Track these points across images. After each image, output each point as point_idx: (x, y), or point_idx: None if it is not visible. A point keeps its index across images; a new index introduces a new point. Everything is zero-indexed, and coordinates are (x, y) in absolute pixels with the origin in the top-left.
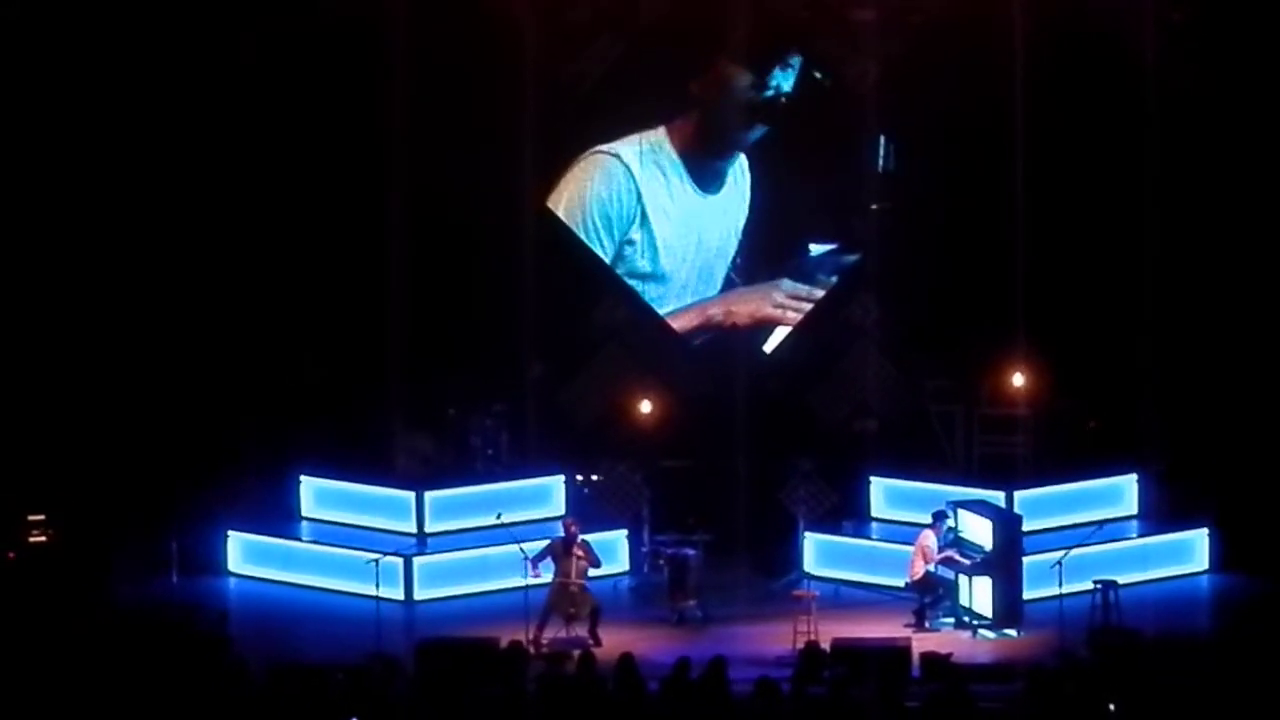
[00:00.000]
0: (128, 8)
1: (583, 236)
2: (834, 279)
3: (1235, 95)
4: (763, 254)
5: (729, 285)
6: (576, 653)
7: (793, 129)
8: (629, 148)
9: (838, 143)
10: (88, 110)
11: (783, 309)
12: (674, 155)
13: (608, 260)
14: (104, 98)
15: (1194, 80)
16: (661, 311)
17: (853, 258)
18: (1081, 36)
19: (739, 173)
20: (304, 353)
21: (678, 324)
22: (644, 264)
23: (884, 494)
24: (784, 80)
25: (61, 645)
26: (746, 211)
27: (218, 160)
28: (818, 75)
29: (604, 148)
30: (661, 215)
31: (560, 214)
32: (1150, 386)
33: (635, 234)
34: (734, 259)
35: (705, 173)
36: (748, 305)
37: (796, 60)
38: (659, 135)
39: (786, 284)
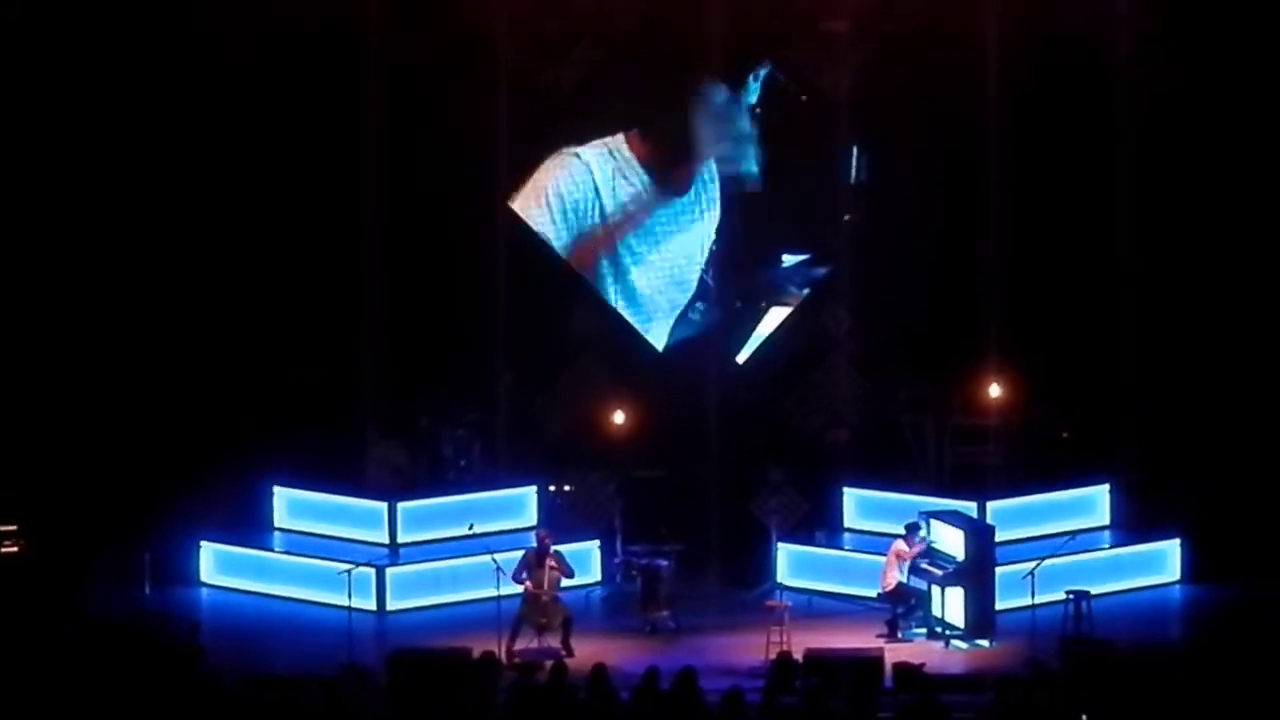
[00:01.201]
0: (108, 16)
1: (541, 227)
2: (805, 291)
3: (1210, 104)
4: (734, 264)
5: (703, 288)
6: (549, 663)
7: (764, 139)
8: (592, 150)
9: (810, 153)
10: (64, 122)
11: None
12: (636, 163)
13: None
14: (81, 109)
15: (1169, 88)
16: (635, 321)
17: (823, 270)
18: (1055, 46)
19: (708, 178)
20: (277, 363)
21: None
22: (613, 273)
23: (856, 504)
24: (754, 91)
25: (34, 656)
26: (718, 216)
27: (192, 172)
28: (790, 85)
29: (572, 150)
30: (626, 221)
31: (517, 207)
32: (1123, 397)
33: (599, 237)
34: (706, 262)
35: (670, 179)
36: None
37: (767, 70)
38: (618, 142)
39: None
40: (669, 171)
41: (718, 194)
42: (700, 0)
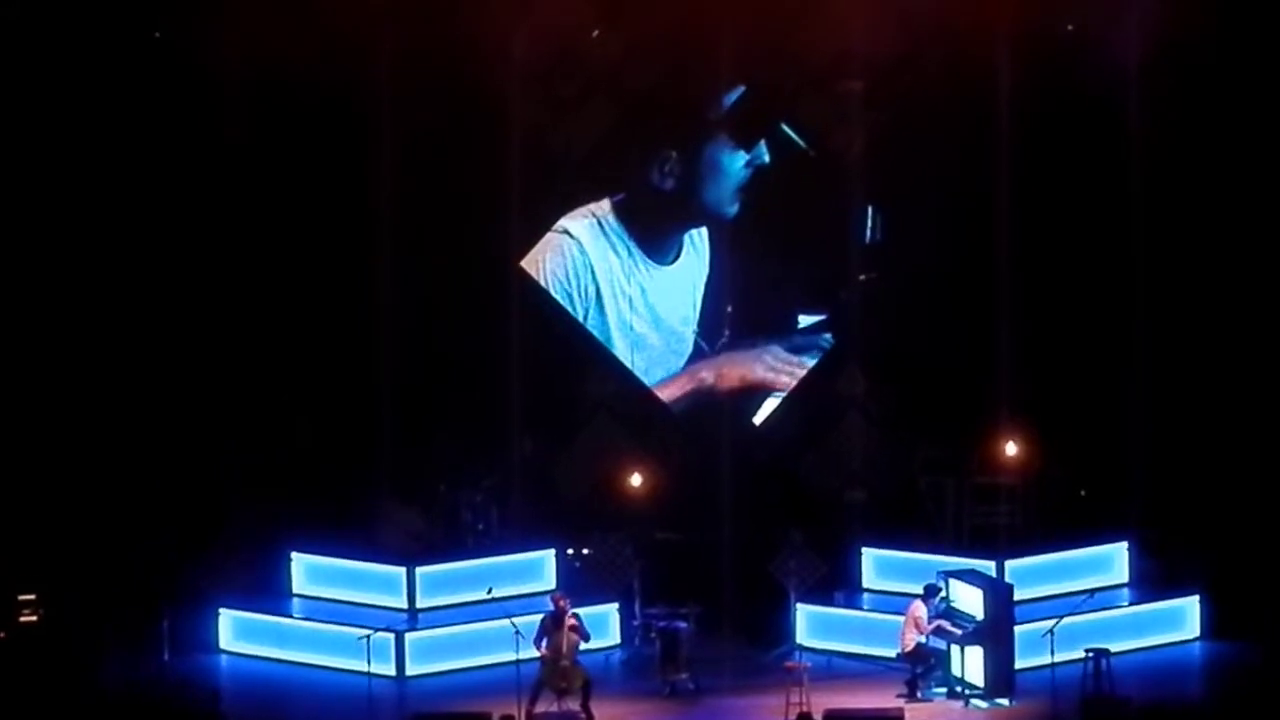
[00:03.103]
0: (113, 77)
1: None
2: (822, 349)
3: (1222, 164)
4: (748, 324)
5: (698, 352)
6: None
7: (779, 199)
8: (580, 223)
9: (824, 213)
10: (75, 185)
11: (774, 373)
12: (622, 228)
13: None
14: (90, 174)
15: (1181, 148)
16: (653, 381)
17: (827, 338)
18: (1068, 105)
19: (695, 239)
20: (294, 429)
21: (666, 391)
22: (614, 339)
23: (875, 564)
24: (765, 151)
25: None
26: (707, 274)
27: (205, 236)
28: (803, 145)
29: (559, 226)
30: (618, 291)
31: (529, 269)
32: (1139, 454)
33: (595, 312)
34: (697, 325)
35: (658, 244)
36: (738, 369)
37: (782, 130)
38: (605, 210)
39: (776, 349)
40: (656, 239)
41: (708, 251)
42: (714, 61)
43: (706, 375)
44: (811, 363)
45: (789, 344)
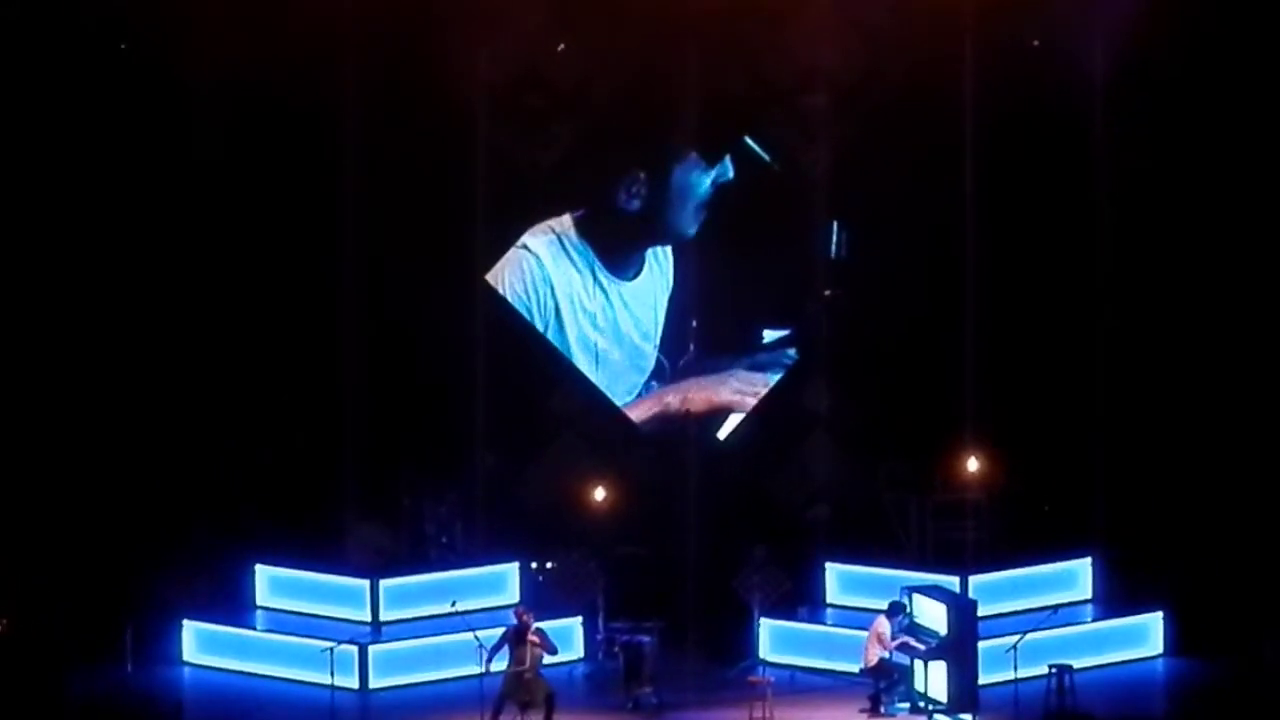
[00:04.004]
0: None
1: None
2: (786, 365)
3: (1189, 177)
4: (713, 340)
5: (659, 369)
6: None
7: (743, 215)
8: (540, 239)
9: (789, 228)
10: (38, 196)
11: (740, 395)
12: (583, 245)
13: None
14: (54, 185)
15: (1147, 162)
16: (616, 398)
17: (791, 353)
18: (1034, 121)
19: (659, 254)
20: (258, 441)
21: (633, 414)
22: (575, 354)
23: (838, 580)
24: (730, 167)
25: None
26: (669, 289)
27: (170, 250)
28: (769, 160)
29: (519, 242)
30: (577, 307)
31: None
32: (1103, 471)
33: (555, 327)
34: (659, 342)
35: (620, 260)
36: (704, 392)
37: (747, 145)
38: (565, 225)
39: (741, 372)
40: (617, 255)
41: (670, 268)
42: (679, 76)
43: (672, 400)
44: (775, 379)
45: (753, 361)
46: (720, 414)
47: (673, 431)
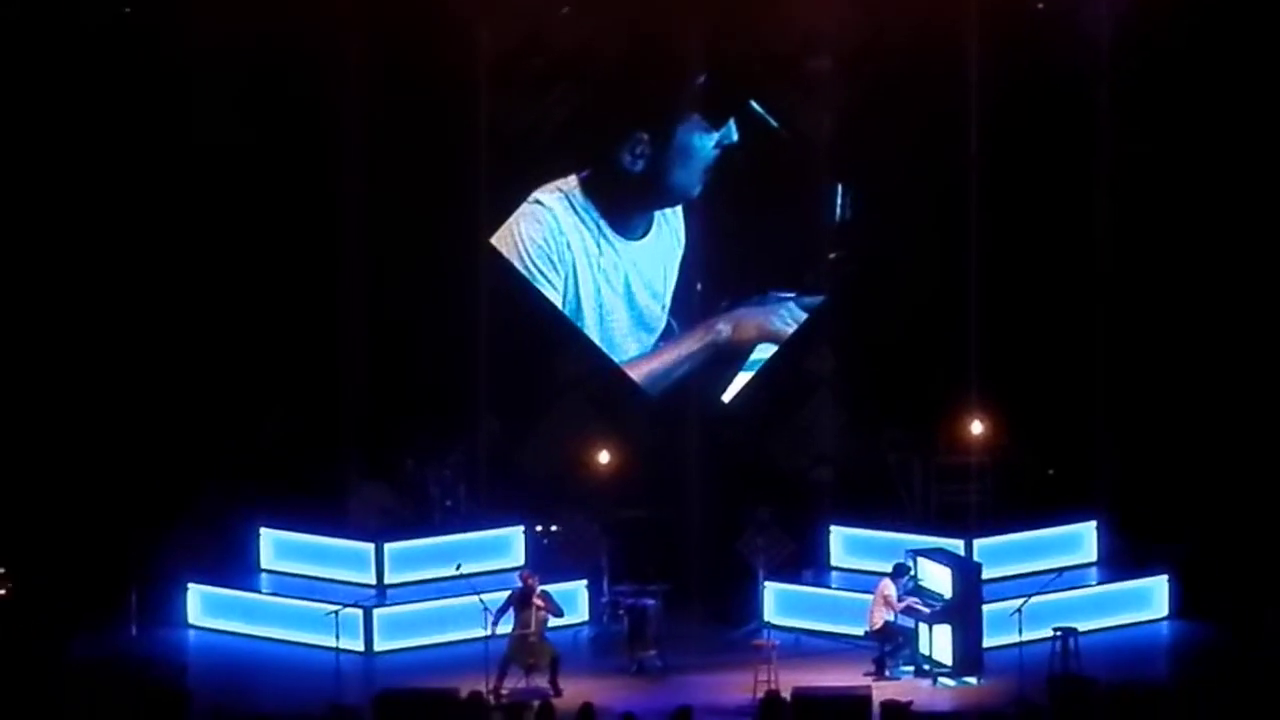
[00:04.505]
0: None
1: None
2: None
3: (1190, 142)
4: (717, 301)
5: (668, 330)
6: (536, 703)
7: (748, 178)
8: (552, 197)
9: (794, 192)
10: (41, 169)
11: (789, 327)
12: (589, 204)
13: (559, 304)
14: (56, 157)
15: (1149, 126)
16: (625, 356)
17: (809, 305)
18: (1037, 85)
19: (669, 215)
20: (262, 406)
21: (676, 351)
22: (585, 313)
23: (843, 543)
24: (734, 130)
25: (22, 699)
26: (681, 251)
27: (171, 217)
28: (773, 124)
29: (533, 197)
30: (591, 263)
31: (498, 246)
32: (1108, 433)
33: (572, 279)
34: (668, 303)
35: (627, 220)
36: (755, 320)
37: (751, 109)
38: (572, 185)
39: (794, 305)
40: (624, 215)
41: (681, 226)
42: (682, 40)
43: (724, 328)
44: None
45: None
46: (768, 340)
47: (674, 390)
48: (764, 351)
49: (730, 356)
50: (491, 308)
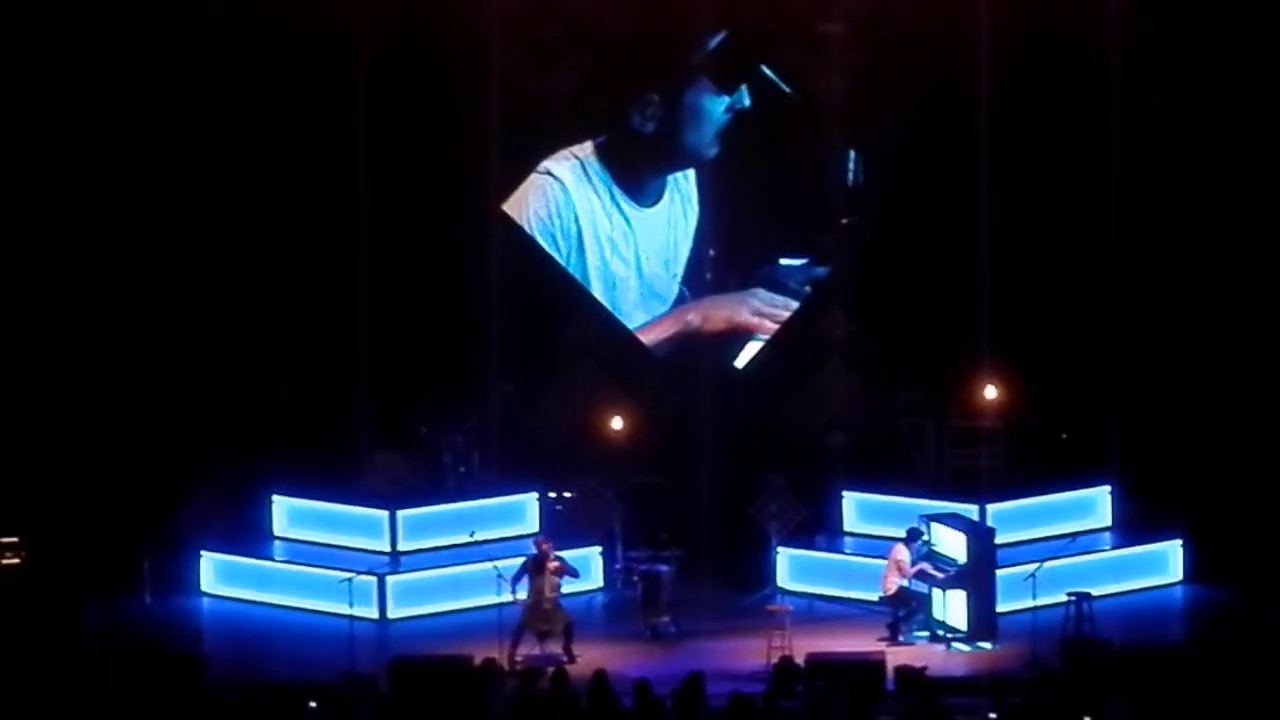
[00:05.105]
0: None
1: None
2: (806, 289)
3: (1202, 105)
4: (730, 267)
5: (680, 299)
6: (550, 669)
7: (759, 143)
8: (562, 165)
9: (806, 156)
10: (58, 132)
11: (759, 317)
12: (603, 171)
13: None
14: (68, 122)
15: (1160, 91)
16: (632, 326)
17: (823, 270)
18: (1049, 49)
19: (680, 181)
20: (274, 373)
21: (651, 334)
22: (593, 281)
23: (856, 508)
24: (746, 95)
25: (35, 667)
26: (695, 220)
27: (183, 183)
28: (785, 89)
29: (541, 168)
30: (600, 233)
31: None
32: (1121, 398)
33: (576, 253)
34: (681, 271)
35: (640, 186)
36: (724, 311)
37: (763, 74)
38: (587, 152)
39: (762, 293)
40: (638, 179)
41: (694, 195)
42: (694, 5)
43: (693, 318)
44: (795, 304)
45: (774, 285)
46: (739, 335)
47: (687, 355)
48: None
49: (697, 349)
50: (504, 274)
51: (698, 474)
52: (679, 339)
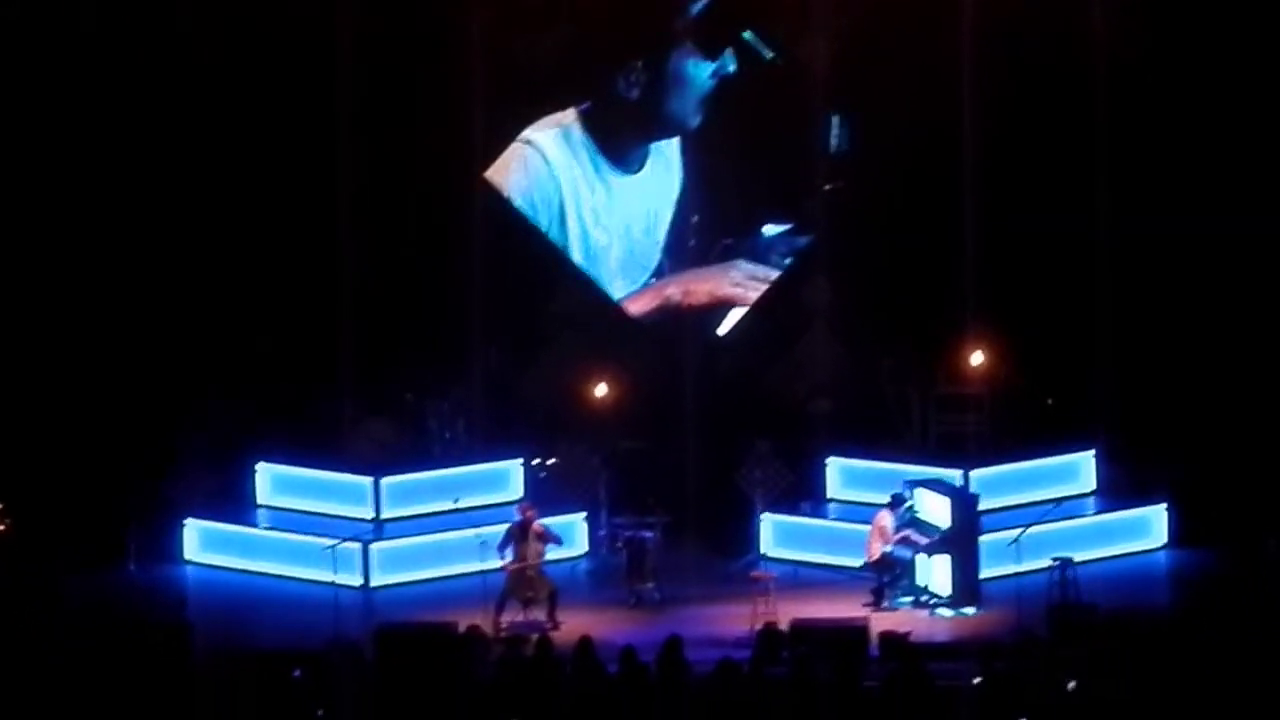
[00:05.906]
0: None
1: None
2: (788, 260)
3: (1185, 68)
4: (713, 235)
5: (660, 270)
6: (535, 636)
7: (743, 108)
8: (544, 133)
9: (789, 122)
10: (39, 103)
11: (741, 288)
12: (587, 138)
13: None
14: (55, 91)
15: (1146, 55)
16: (615, 296)
17: (805, 239)
18: (1037, 10)
19: (663, 146)
20: (258, 338)
21: (634, 306)
22: (575, 251)
23: (841, 474)
24: (731, 61)
25: (19, 635)
26: (678, 188)
27: (164, 150)
28: (770, 55)
29: (523, 136)
30: (582, 202)
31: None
32: (1105, 363)
33: (557, 223)
34: (663, 239)
35: (623, 154)
36: (705, 284)
37: (748, 39)
38: (570, 118)
39: (743, 264)
40: (621, 147)
41: (678, 162)
42: None
43: (673, 292)
44: (777, 274)
45: (756, 256)
46: (722, 307)
47: (671, 322)
48: None
49: (679, 319)
50: (488, 241)
51: (682, 440)
52: (660, 312)
